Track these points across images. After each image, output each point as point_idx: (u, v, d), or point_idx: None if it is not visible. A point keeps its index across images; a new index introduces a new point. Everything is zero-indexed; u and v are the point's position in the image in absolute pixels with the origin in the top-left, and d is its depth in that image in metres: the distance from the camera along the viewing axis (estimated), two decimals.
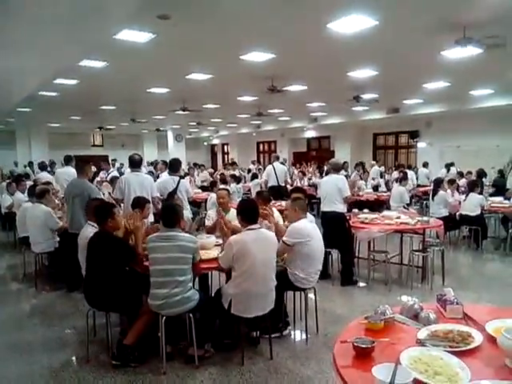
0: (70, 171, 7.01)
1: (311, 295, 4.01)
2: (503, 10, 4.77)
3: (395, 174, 11.71)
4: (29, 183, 8.34)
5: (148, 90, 9.92)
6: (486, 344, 1.88)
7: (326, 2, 4.48)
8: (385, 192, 10.04)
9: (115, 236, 3.68)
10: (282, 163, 10.51)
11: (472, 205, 7.11)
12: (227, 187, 7.87)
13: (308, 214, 4.03)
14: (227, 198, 4.80)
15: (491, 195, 8.59)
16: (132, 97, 10.87)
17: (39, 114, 14.02)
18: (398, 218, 5.71)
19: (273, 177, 9.56)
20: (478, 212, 7.08)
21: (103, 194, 6.39)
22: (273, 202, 5.17)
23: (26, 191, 7.45)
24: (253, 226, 3.39)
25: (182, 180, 6.15)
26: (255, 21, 5.12)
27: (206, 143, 29.20)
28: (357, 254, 6.11)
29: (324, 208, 5.72)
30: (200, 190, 10.48)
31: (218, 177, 10.92)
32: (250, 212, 3.48)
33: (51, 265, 5.90)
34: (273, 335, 3.61)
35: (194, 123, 18.26)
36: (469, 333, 1.95)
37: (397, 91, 11.02)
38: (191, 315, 3.31)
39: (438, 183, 7.62)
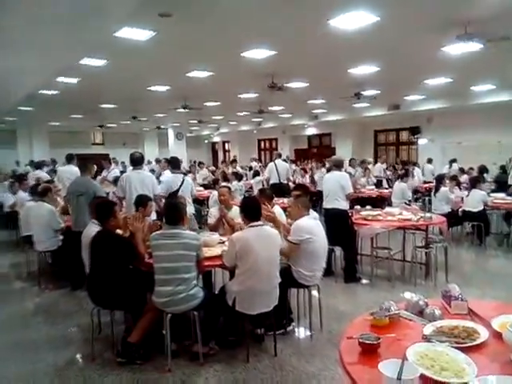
0: (73, 169, 7.04)
1: (315, 292, 4.01)
2: (504, 6, 4.75)
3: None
4: (29, 182, 8.39)
5: (149, 88, 9.92)
6: (491, 340, 1.88)
7: None
8: (386, 188, 10.04)
9: (118, 235, 3.68)
10: (284, 160, 10.51)
11: (475, 201, 7.10)
12: (228, 184, 7.87)
13: (312, 211, 4.03)
14: (228, 195, 4.81)
15: (493, 191, 8.58)
16: (133, 95, 10.87)
17: (40, 112, 14.03)
18: (401, 214, 5.71)
19: (275, 174, 9.58)
20: (481, 208, 7.07)
21: (107, 194, 6.39)
22: (275, 199, 5.17)
23: (28, 190, 7.48)
24: (255, 223, 3.39)
25: (185, 177, 6.23)
26: (256, 18, 5.11)
27: (206, 141, 29.19)
28: (360, 251, 6.12)
29: (326, 205, 5.72)
30: (202, 188, 10.47)
31: (220, 174, 10.91)
32: (252, 209, 3.48)
33: (55, 263, 5.91)
34: (277, 332, 3.62)
35: (195, 121, 18.24)
36: (474, 329, 1.96)
37: (398, 87, 11.00)
38: (195, 313, 3.31)
39: (439, 179, 7.62)
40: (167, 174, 7.44)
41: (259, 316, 3.43)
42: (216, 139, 28.44)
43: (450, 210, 7.15)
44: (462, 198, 7.49)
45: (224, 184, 7.43)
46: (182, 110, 12.17)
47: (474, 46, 5.74)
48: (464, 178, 9.62)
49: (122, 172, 9.57)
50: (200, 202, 9.11)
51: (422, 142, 16.15)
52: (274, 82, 8.64)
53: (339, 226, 5.45)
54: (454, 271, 5.65)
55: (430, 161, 12.74)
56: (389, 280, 5.42)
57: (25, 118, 15.81)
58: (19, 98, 10.20)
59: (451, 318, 2.13)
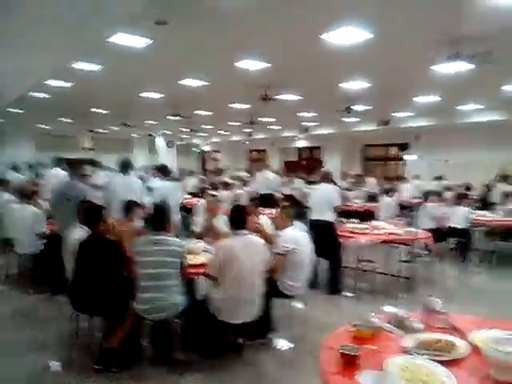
0: (59, 173, 6.95)
1: (298, 303, 3.99)
2: (495, 26, 4.86)
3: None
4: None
5: (141, 95, 9.91)
6: (471, 354, 1.88)
7: (322, 13, 4.55)
8: (373, 203, 10.08)
9: (110, 239, 3.63)
10: (275, 172, 10.56)
11: (458, 217, 7.21)
12: (216, 193, 7.85)
13: (300, 222, 4.03)
14: (215, 204, 4.80)
15: (478, 208, 8.70)
16: (125, 101, 10.85)
17: (28, 115, 13.88)
18: (387, 228, 5.75)
19: (264, 185, 9.59)
20: (465, 225, 7.17)
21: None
22: (263, 209, 5.18)
23: (12, 192, 7.34)
24: (239, 232, 3.38)
25: (176, 184, 6.20)
26: (251, 30, 5.17)
27: (196, 150, 29.15)
28: (344, 264, 6.12)
29: (313, 216, 5.73)
30: (190, 196, 10.42)
31: (208, 183, 10.87)
32: (237, 218, 3.47)
33: (35, 267, 5.78)
34: (259, 342, 3.59)
35: (186, 129, 18.23)
36: (454, 342, 1.96)
37: (388, 103, 11.17)
38: (177, 320, 3.26)
39: (425, 196, 7.72)
40: (157, 182, 7.39)
41: (241, 325, 3.39)
42: (206, 148, 28.43)
43: (433, 227, 7.22)
44: (447, 215, 7.57)
45: (212, 193, 7.43)
46: (173, 118, 12.18)
47: (464, 66, 5.86)
48: (449, 194, 9.73)
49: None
50: (188, 210, 9.06)
51: (409, 158, 16.36)
52: (266, 93, 8.71)
53: (325, 238, 5.45)
54: (438, 286, 5.69)
55: (417, 177, 12.91)
56: (372, 293, 5.43)
57: (15, 120, 15.61)
58: (10, 99, 10.08)
59: (432, 331, 2.13)
